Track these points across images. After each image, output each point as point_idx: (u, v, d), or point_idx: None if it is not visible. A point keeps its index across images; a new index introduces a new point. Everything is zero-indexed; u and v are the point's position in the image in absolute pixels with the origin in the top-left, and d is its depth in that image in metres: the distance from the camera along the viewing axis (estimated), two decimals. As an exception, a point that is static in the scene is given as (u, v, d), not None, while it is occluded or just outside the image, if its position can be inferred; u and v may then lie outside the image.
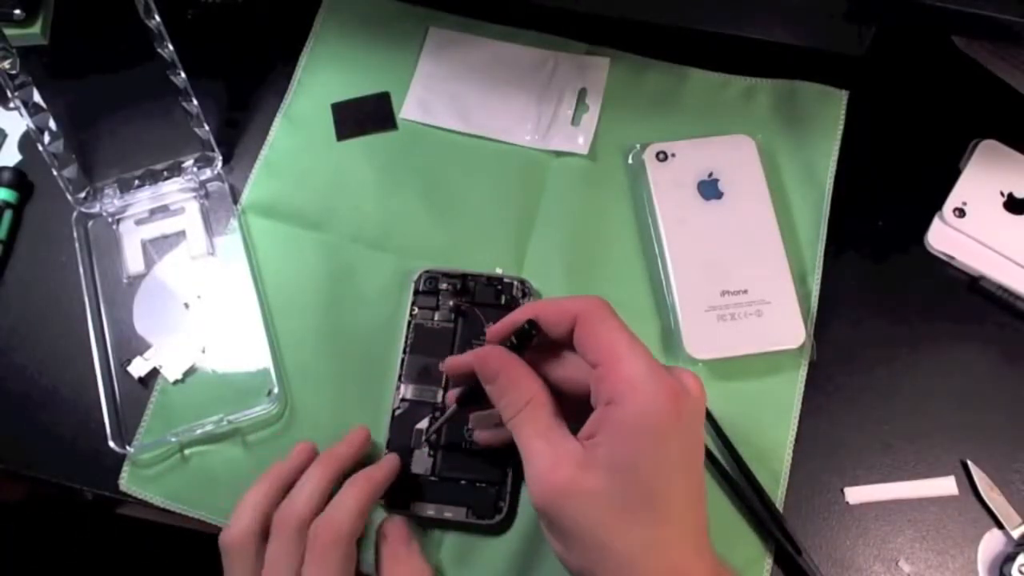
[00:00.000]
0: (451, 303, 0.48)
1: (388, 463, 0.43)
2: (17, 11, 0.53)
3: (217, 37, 0.56)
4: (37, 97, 0.47)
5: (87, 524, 0.78)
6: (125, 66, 0.53)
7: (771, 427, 0.46)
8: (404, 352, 0.47)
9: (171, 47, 0.48)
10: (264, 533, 0.40)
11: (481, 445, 0.43)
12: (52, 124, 0.48)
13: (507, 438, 0.37)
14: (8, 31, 0.50)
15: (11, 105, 0.47)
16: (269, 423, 0.47)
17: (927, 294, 0.50)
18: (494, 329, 0.39)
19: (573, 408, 0.36)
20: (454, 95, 0.54)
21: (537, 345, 0.37)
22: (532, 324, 0.37)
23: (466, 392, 0.40)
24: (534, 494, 0.33)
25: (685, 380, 0.34)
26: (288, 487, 0.42)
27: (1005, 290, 0.49)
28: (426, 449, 0.45)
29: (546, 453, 0.33)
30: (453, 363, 0.41)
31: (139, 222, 0.51)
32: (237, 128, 0.54)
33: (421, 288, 0.48)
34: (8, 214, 0.51)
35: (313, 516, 0.40)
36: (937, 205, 0.51)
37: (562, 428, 0.35)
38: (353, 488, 0.41)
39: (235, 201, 0.52)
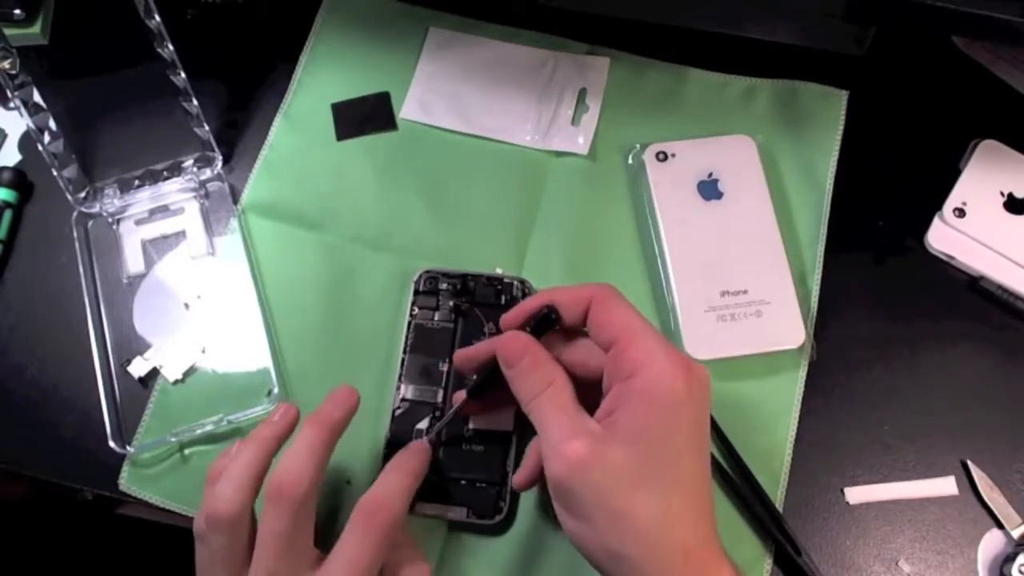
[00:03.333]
0: (451, 303, 0.48)
1: (421, 452, 0.41)
2: (17, 11, 0.53)
3: (217, 37, 0.56)
4: (37, 97, 0.47)
5: (87, 524, 0.78)
6: (125, 66, 0.53)
7: (771, 427, 0.46)
8: (404, 352, 0.47)
9: (171, 47, 0.48)
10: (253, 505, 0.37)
11: (521, 488, 0.42)
12: (52, 124, 0.48)
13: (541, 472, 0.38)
14: (8, 31, 0.50)
15: (11, 105, 0.46)
16: (269, 423, 0.47)
17: (927, 294, 0.50)
18: (509, 316, 0.39)
19: (581, 397, 0.37)
20: (454, 95, 0.54)
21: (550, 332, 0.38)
22: (552, 309, 0.38)
23: (478, 384, 0.40)
24: (553, 468, 0.34)
25: (693, 360, 0.36)
26: (275, 454, 0.38)
27: (1005, 290, 0.49)
28: (426, 449, 0.45)
29: (566, 427, 0.34)
30: (465, 354, 0.41)
31: (139, 222, 0.51)
32: (237, 128, 0.54)
33: (421, 288, 0.48)
34: (8, 214, 0.51)
35: (316, 483, 0.36)
36: (937, 205, 0.51)
37: (581, 410, 0.36)
38: (402, 471, 0.39)
39: (235, 201, 0.52)
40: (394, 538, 0.37)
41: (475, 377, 0.41)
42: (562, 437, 0.34)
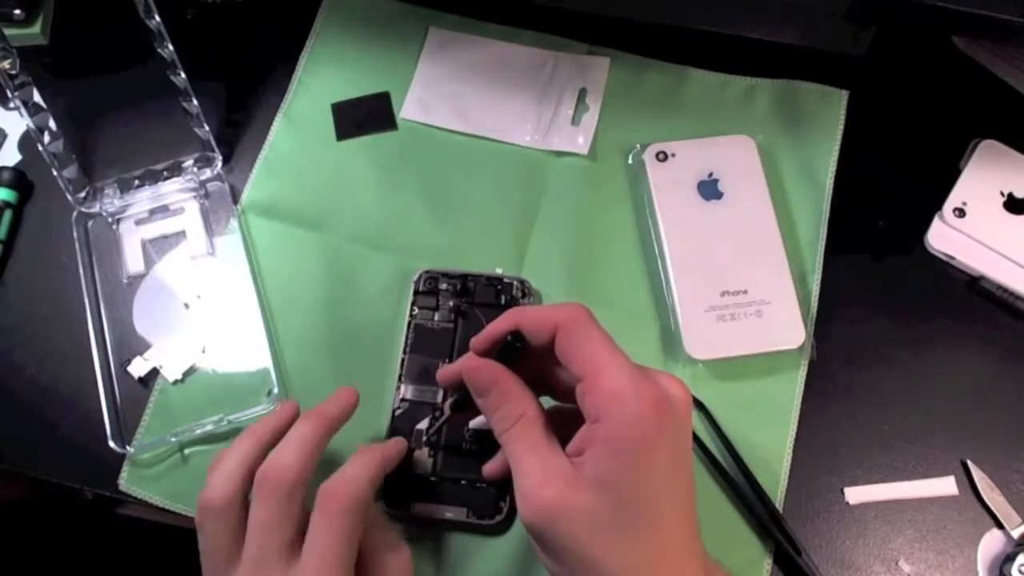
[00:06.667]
0: (451, 303, 0.48)
1: (396, 443, 0.43)
2: (17, 11, 0.53)
3: (217, 37, 0.56)
4: (37, 97, 0.47)
5: (87, 524, 0.78)
6: (125, 66, 0.53)
7: (771, 427, 0.46)
8: (404, 352, 0.47)
9: (171, 47, 0.48)
10: (247, 494, 0.38)
11: (490, 478, 0.43)
12: (52, 124, 0.48)
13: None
14: (8, 31, 0.50)
15: (11, 105, 0.47)
16: (269, 423, 0.46)
17: (927, 294, 0.50)
18: (478, 340, 0.38)
19: (572, 402, 0.36)
20: (454, 95, 0.54)
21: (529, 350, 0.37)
22: (516, 336, 0.36)
23: (459, 399, 0.40)
24: (523, 511, 0.33)
25: (669, 387, 0.34)
26: (271, 447, 0.39)
27: (1005, 290, 0.49)
28: (426, 449, 0.45)
29: (536, 470, 0.33)
30: (446, 373, 0.40)
31: (139, 222, 0.51)
32: (237, 128, 0.54)
33: (421, 288, 0.48)
34: (8, 214, 0.51)
35: (304, 474, 0.37)
36: (937, 205, 0.51)
37: (553, 445, 0.34)
38: (365, 456, 0.39)
39: (235, 201, 0.52)
40: (359, 519, 0.37)
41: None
42: (532, 482, 0.33)
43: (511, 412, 0.35)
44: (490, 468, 0.43)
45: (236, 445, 0.39)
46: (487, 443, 0.44)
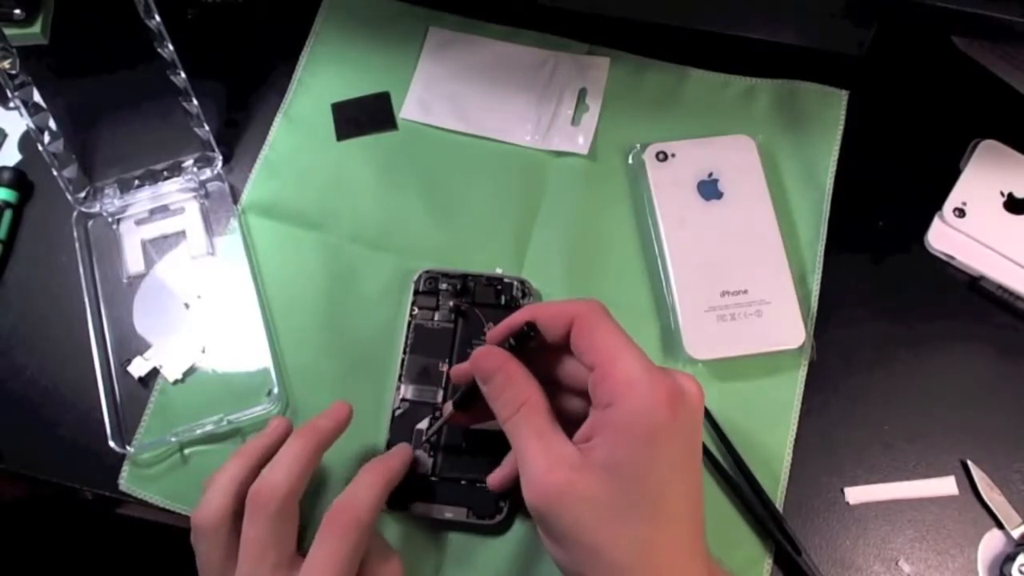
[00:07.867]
0: (451, 303, 0.48)
1: (401, 452, 0.43)
2: (17, 11, 0.53)
3: (217, 37, 0.56)
4: (37, 97, 0.47)
5: (87, 524, 0.78)
6: (125, 66, 0.53)
7: (771, 427, 0.46)
8: (404, 352, 0.47)
9: (171, 47, 0.48)
10: (239, 512, 0.38)
11: (495, 489, 0.42)
12: (52, 124, 0.48)
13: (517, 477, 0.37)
14: (8, 31, 0.50)
15: (11, 105, 0.47)
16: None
17: (927, 294, 0.50)
18: (493, 332, 0.39)
19: (576, 407, 0.36)
20: (454, 95, 0.54)
21: (541, 346, 0.37)
22: (531, 326, 0.37)
23: (463, 394, 0.40)
24: (529, 496, 0.33)
25: (682, 382, 0.34)
26: (263, 464, 0.39)
27: (1005, 290, 0.49)
28: (426, 449, 0.45)
29: (541, 455, 0.33)
30: (457, 370, 0.41)
31: (139, 222, 0.51)
32: (237, 128, 0.54)
33: (421, 288, 0.48)
34: (8, 214, 0.51)
35: (294, 492, 0.38)
36: (937, 205, 0.51)
37: (558, 431, 0.34)
38: (371, 473, 0.39)
39: (235, 201, 0.52)
40: (363, 539, 0.37)
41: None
42: (537, 468, 0.33)
43: (515, 397, 0.35)
44: (495, 478, 0.42)
45: (226, 465, 0.40)
46: (486, 443, 0.44)
